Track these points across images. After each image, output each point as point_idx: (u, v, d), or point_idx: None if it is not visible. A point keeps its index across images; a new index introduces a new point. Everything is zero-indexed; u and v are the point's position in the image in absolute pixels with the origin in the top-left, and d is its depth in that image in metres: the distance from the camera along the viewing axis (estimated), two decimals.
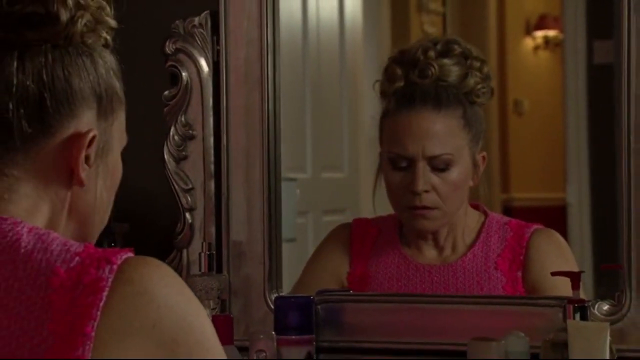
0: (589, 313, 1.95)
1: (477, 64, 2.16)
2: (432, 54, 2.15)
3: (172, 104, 2.33)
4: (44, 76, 1.22)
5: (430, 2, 2.75)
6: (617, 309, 2.04)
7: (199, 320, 1.15)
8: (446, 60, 2.16)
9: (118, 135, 1.31)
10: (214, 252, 2.27)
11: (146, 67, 2.35)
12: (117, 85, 1.30)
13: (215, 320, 2.07)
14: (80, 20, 1.24)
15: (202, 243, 2.28)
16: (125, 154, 2.34)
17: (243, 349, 2.08)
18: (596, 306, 2.04)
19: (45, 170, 1.24)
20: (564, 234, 2.37)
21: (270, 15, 2.27)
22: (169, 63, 2.33)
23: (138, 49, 2.32)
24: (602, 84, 2.25)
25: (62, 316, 1.13)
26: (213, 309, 2.19)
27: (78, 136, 1.24)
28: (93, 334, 1.11)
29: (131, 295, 1.14)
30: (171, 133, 2.33)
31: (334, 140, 2.73)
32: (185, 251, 2.32)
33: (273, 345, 2.06)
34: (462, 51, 2.17)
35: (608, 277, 2.12)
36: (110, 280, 1.13)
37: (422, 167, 2.13)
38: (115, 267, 1.14)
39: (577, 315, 1.93)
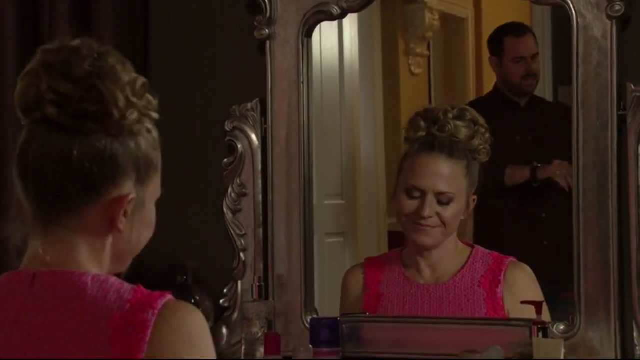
0: (549, 332, 2.23)
1: (482, 130, 2.40)
2: (450, 115, 2.39)
3: (230, 169, 2.60)
4: (96, 157, 1.35)
5: (417, 46, 2.81)
6: (571, 329, 2.32)
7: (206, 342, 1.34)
8: (459, 122, 2.39)
9: (152, 192, 1.42)
10: (263, 284, 2.52)
11: (210, 141, 2.64)
12: (154, 156, 1.41)
13: (267, 336, 2.37)
14: (129, 116, 1.35)
15: (253, 276, 2.55)
16: (193, 209, 2.67)
17: (286, 358, 2.36)
18: (555, 326, 2.31)
19: (94, 223, 1.37)
20: None
21: (305, 101, 2.54)
22: (228, 138, 2.59)
23: (205, 127, 2.65)
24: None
25: (119, 349, 1.30)
26: (261, 327, 2.43)
27: (120, 198, 1.37)
28: None
29: (167, 333, 1.30)
30: (229, 191, 2.59)
31: (335, 172, 2.78)
32: (240, 282, 2.58)
33: (310, 355, 2.32)
34: (472, 118, 2.40)
35: (564, 303, 2.37)
36: (152, 321, 1.30)
37: (431, 199, 2.37)
38: (156, 311, 1.31)
39: (540, 334, 2.20)
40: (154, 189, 1.42)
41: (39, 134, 1.37)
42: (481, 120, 2.41)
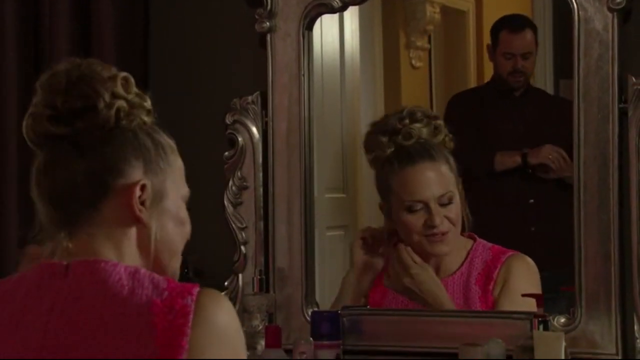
0: (549, 324, 2.23)
1: (437, 122, 2.45)
2: (407, 121, 2.43)
3: (231, 162, 2.61)
4: (97, 156, 1.42)
5: (418, 39, 2.79)
6: (571, 322, 2.32)
7: (239, 336, 1.41)
8: (417, 125, 2.44)
9: (172, 186, 1.47)
10: (264, 277, 2.53)
11: (211, 134, 2.64)
12: (162, 154, 1.47)
13: (268, 329, 2.37)
14: (114, 106, 1.42)
15: (254, 269, 2.56)
16: (194, 202, 2.66)
17: (287, 351, 2.36)
18: (555, 319, 2.31)
19: (111, 217, 1.44)
20: None
21: (306, 94, 2.54)
22: (229, 131, 2.60)
23: (206, 121, 2.67)
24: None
25: (164, 334, 1.34)
26: (262, 320, 2.44)
27: (129, 186, 1.43)
28: (187, 346, 1.35)
29: (206, 318, 1.36)
30: (230, 184, 2.61)
31: (335, 165, 2.79)
32: (240, 275, 2.59)
33: (311, 348, 2.33)
34: (422, 113, 2.45)
35: (565, 296, 2.38)
36: (193, 306, 1.36)
37: (435, 206, 2.42)
38: (194, 297, 1.36)
39: (541, 327, 2.20)
40: (174, 182, 1.47)
41: (48, 154, 1.45)
42: (429, 112, 2.48)
